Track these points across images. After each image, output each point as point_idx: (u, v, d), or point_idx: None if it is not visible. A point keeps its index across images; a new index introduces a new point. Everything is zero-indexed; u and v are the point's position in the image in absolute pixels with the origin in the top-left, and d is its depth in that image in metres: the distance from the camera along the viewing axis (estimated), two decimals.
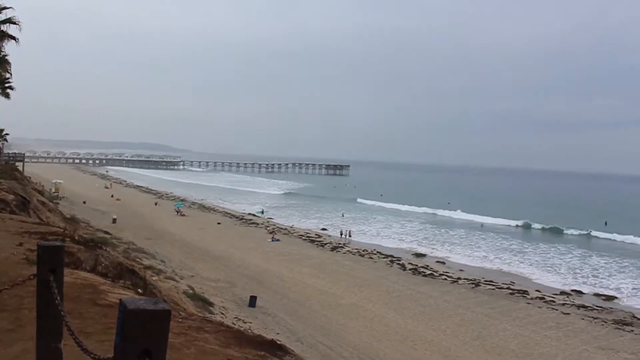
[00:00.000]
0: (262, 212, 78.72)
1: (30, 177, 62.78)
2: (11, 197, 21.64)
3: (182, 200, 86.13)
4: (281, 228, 62.50)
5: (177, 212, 69.20)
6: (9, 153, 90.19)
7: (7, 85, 59.41)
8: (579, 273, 46.39)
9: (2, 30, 37.87)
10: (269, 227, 62.20)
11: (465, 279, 40.93)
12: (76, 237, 13.15)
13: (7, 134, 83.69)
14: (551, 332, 28.74)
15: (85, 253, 10.89)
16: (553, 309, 33.58)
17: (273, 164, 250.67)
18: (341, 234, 58.90)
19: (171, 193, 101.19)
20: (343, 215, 79.30)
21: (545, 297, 36.60)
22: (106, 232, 39.28)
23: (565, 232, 72.03)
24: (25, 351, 4.66)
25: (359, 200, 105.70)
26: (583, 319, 31.65)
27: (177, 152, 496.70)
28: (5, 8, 36.50)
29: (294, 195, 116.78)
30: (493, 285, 39.33)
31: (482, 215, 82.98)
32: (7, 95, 60.88)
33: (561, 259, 52.67)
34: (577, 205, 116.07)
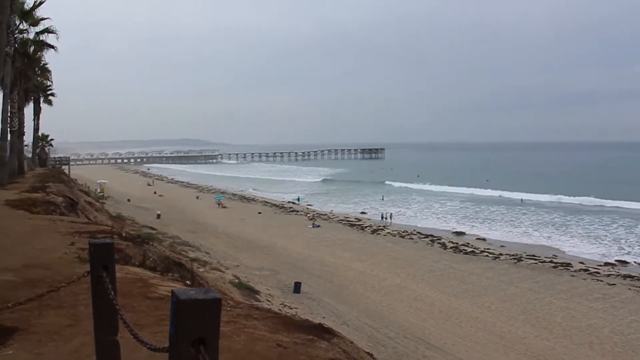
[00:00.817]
0: (299, 200, 79.27)
1: (76, 179, 64.33)
2: (60, 199, 22.41)
3: (222, 192, 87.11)
4: (321, 214, 62.81)
5: (218, 204, 70.04)
6: (55, 157, 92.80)
7: (49, 92, 61.29)
8: (623, 243, 45.43)
9: (42, 40, 38.76)
10: (309, 213, 62.61)
11: (506, 254, 40.59)
12: (124, 234, 13.52)
13: (52, 139, 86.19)
14: (597, 303, 28.34)
15: (133, 249, 11.27)
16: (598, 280, 33.08)
17: (309, 152, 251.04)
18: (382, 217, 58.84)
19: (211, 186, 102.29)
20: (383, 199, 79.10)
21: (590, 268, 36.04)
22: (151, 228, 40.01)
23: (607, 203, 69.42)
24: (84, 345, 4.83)
25: (396, 182, 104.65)
26: (630, 289, 31.08)
27: (214, 146, 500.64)
28: (43, 19, 37.31)
29: (331, 181, 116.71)
30: (535, 259, 38.89)
31: (521, 192, 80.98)
32: (49, 102, 62.86)
33: (606, 230, 51.62)
34: (617, 176, 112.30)
